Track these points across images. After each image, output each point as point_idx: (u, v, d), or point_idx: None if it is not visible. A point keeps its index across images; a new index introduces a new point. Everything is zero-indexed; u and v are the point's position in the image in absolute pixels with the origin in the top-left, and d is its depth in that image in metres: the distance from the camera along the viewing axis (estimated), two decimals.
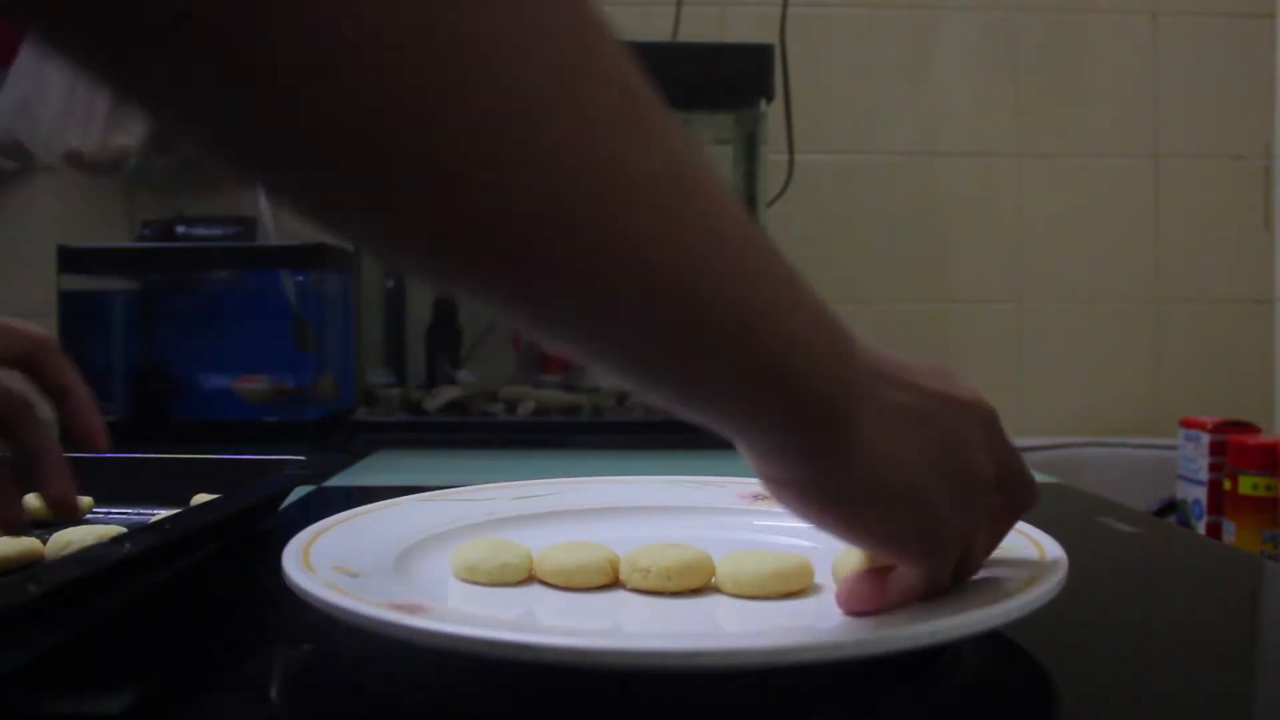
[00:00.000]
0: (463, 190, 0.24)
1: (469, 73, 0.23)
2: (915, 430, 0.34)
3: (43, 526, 0.58)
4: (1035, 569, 0.38)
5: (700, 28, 1.31)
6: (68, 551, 0.48)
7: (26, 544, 0.50)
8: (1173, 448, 1.20)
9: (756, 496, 0.55)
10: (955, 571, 0.37)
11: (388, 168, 0.23)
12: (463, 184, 0.24)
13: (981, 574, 0.40)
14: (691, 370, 0.30)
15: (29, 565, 0.49)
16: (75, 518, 0.51)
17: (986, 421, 0.36)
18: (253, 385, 1.06)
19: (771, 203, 1.19)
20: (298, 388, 1.07)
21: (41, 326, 0.53)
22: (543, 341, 0.30)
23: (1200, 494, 1.13)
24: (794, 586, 0.41)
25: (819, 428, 0.32)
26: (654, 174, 0.27)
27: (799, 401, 0.31)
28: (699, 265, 0.28)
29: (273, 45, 0.21)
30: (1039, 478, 0.86)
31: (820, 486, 0.34)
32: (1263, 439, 1.08)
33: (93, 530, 0.52)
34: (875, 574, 0.36)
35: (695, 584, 0.42)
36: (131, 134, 1.21)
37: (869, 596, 0.36)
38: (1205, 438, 1.12)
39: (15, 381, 0.50)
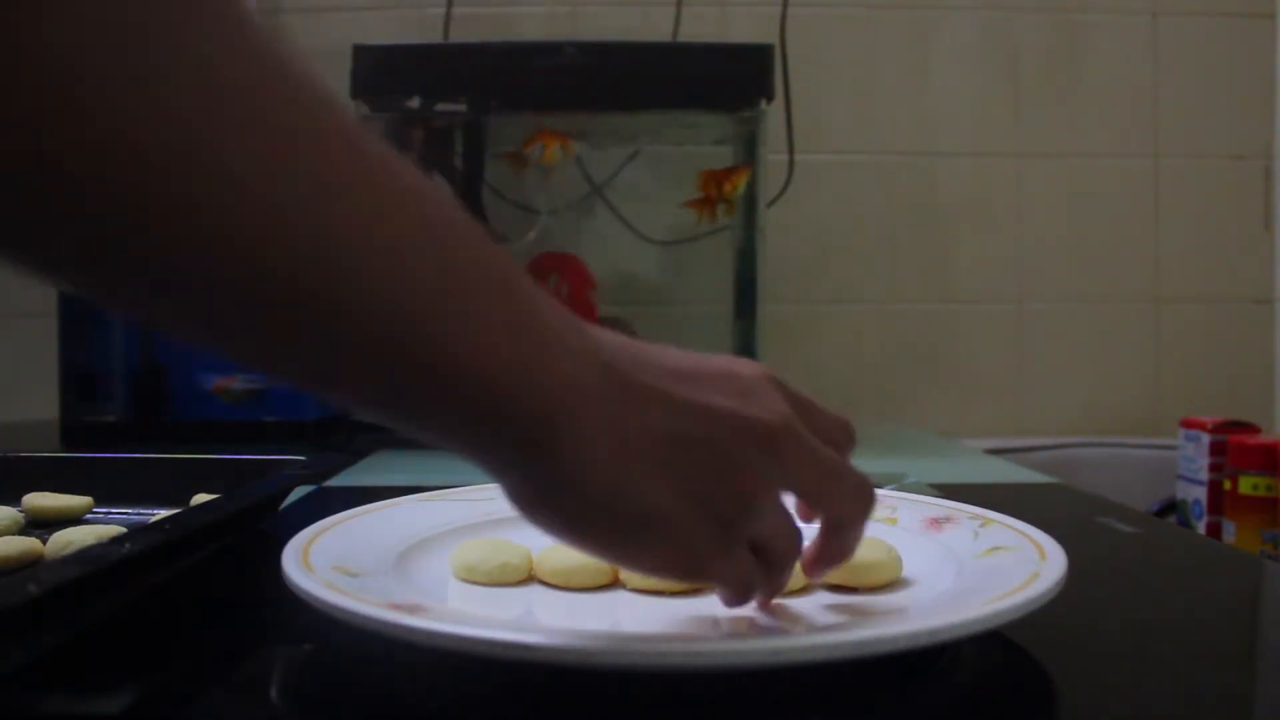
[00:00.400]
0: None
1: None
2: (665, 453, 0.30)
3: (42, 526, 0.58)
4: (1035, 569, 0.38)
5: (700, 28, 1.31)
6: (68, 551, 0.48)
7: (26, 544, 0.50)
8: (1173, 448, 1.20)
9: None
10: (761, 581, 0.35)
11: None
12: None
13: (981, 574, 0.40)
14: (343, 372, 0.27)
15: (29, 565, 0.49)
16: None
17: (767, 430, 0.32)
18: (229, 384, 1.06)
19: (771, 203, 1.19)
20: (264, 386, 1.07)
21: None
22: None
23: (1200, 494, 1.13)
24: (794, 585, 0.41)
25: (517, 441, 0.29)
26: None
27: (480, 415, 0.28)
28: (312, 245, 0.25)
29: None
30: (1039, 478, 0.86)
31: (542, 501, 0.31)
32: (1263, 439, 1.08)
33: (93, 530, 0.52)
34: None
35: (696, 584, 0.42)
36: None
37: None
38: (1205, 438, 1.12)
39: None
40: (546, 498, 0.30)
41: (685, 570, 0.33)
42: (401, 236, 0.26)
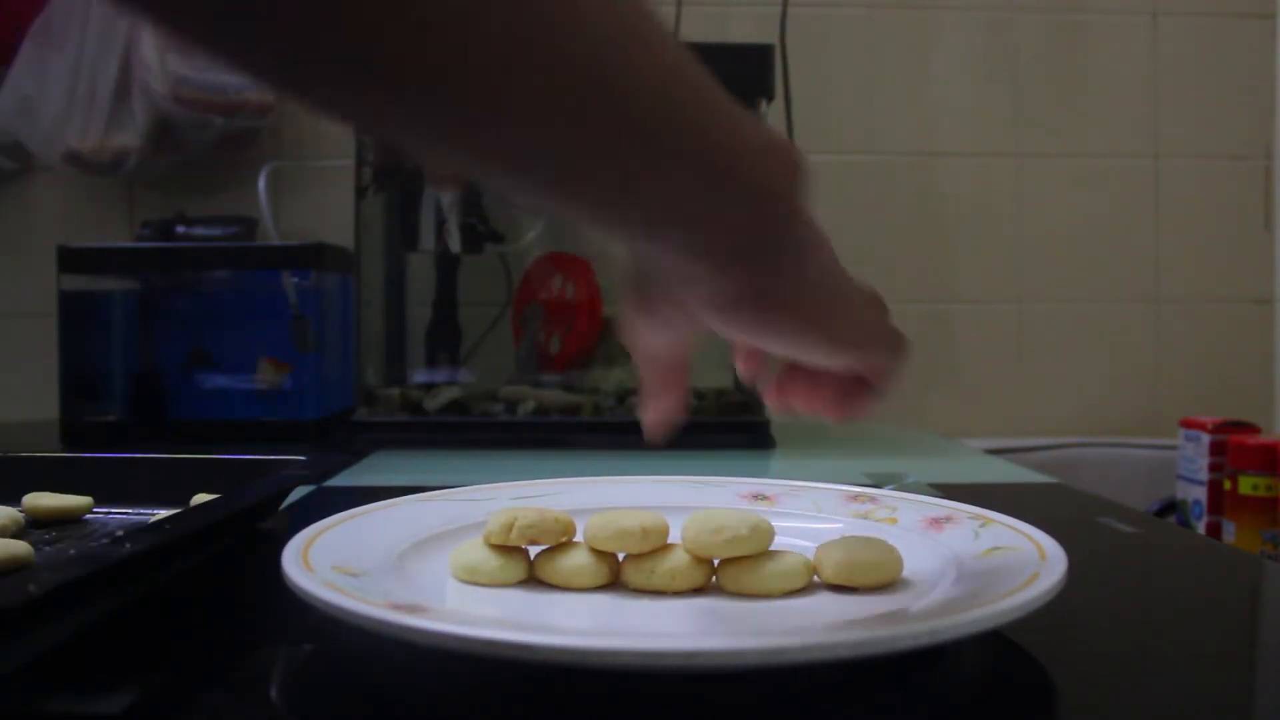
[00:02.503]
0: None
1: None
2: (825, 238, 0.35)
3: (42, 527, 0.58)
4: (1035, 569, 0.38)
5: (700, 28, 1.31)
6: None
7: (16, 547, 0.49)
8: (1173, 448, 1.20)
9: (757, 496, 0.55)
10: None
11: None
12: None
13: (981, 573, 0.40)
14: (636, 167, 0.29)
15: (14, 570, 0.49)
16: None
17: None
18: (264, 375, 1.07)
19: None
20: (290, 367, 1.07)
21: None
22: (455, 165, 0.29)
23: (1200, 494, 1.13)
24: (794, 585, 0.41)
25: (771, 223, 0.32)
26: None
27: (750, 193, 0.32)
28: (643, 75, 0.28)
29: None
30: (1039, 478, 0.86)
31: (776, 290, 0.33)
32: (1263, 439, 1.08)
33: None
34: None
35: (697, 583, 0.42)
36: (131, 134, 1.21)
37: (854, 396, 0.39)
38: (1205, 438, 1.12)
39: None
40: (780, 284, 0.33)
41: (891, 332, 0.37)
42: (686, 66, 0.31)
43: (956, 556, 0.43)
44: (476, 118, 0.27)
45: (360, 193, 1.13)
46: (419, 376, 1.17)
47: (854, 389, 0.39)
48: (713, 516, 0.42)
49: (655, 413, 0.42)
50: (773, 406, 0.42)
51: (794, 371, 0.40)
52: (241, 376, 1.07)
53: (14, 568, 0.47)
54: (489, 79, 0.26)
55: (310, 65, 0.25)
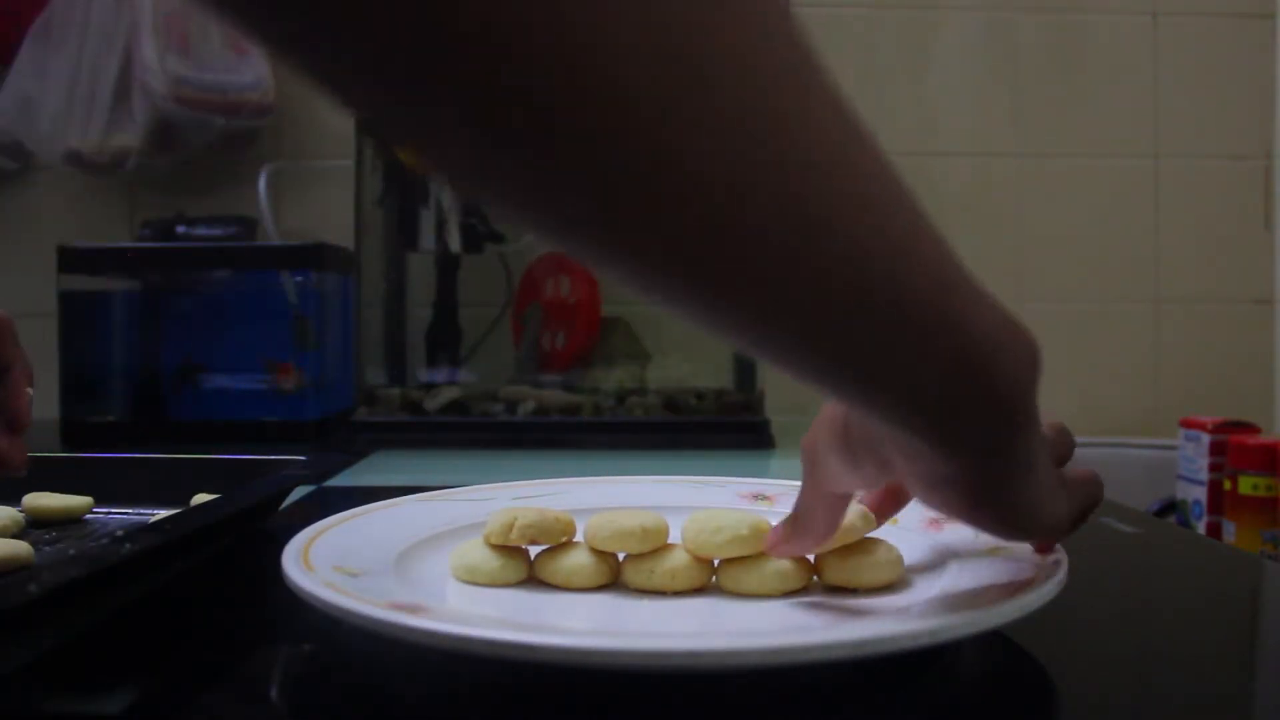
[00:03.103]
0: (633, 155, 0.23)
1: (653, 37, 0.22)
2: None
3: (42, 526, 0.58)
4: (1035, 569, 0.38)
5: None
6: None
7: (17, 547, 0.49)
8: (1173, 448, 1.20)
9: (757, 496, 0.55)
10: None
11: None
12: (633, 144, 0.23)
13: (981, 574, 0.40)
14: (892, 365, 0.29)
15: (15, 570, 0.49)
16: (21, 439, 0.53)
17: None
18: (285, 378, 1.07)
19: None
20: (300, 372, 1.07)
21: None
22: (721, 335, 0.29)
23: (1200, 494, 1.13)
24: (794, 585, 0.41)
25: (1009, 423, 0.31)
26: (836, 140, 0.26)
27: (994, 393, 0.30)
28: (889, 250, 0.27)
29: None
30: None
31: (995, 488, 0.33)
32: (1263, 439, 1.08)
33: None
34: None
35: (697, 584, 0.42)
36: (131, 134, 1.21)
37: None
38: (1205, 438, 1.12)
39: None
40: (992, 476, 0.33)
41: (1064, 530, 0.37)
42: (941, 252, 0.29)
43: (956, 556, 0.43)
44: (720, 293, 0.26)
45: (379, 202, 1.14)
46: (419, 376, 1.17)
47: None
48: (713, 516, 0.42)
49: (793, 547, 0.41)
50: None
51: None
52: (242, 377, 1.07)
53: (14, 568, 0.47)
54: (749, 263, 0.25)
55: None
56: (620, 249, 0.25)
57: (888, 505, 0.43)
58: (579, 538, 0.44)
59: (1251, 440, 1.07)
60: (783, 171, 0.25)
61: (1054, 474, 0.35)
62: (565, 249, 0.26)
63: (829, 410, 0.37)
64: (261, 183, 1.27)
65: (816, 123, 0.25)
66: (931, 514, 0.49)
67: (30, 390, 0.52)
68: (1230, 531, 1.07)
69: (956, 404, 0.30)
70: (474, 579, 0.43)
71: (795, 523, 0.40)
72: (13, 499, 0.59)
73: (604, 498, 0.54)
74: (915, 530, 0.48)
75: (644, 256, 0.25)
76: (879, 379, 0.30)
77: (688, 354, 1.17)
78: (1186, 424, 1.16)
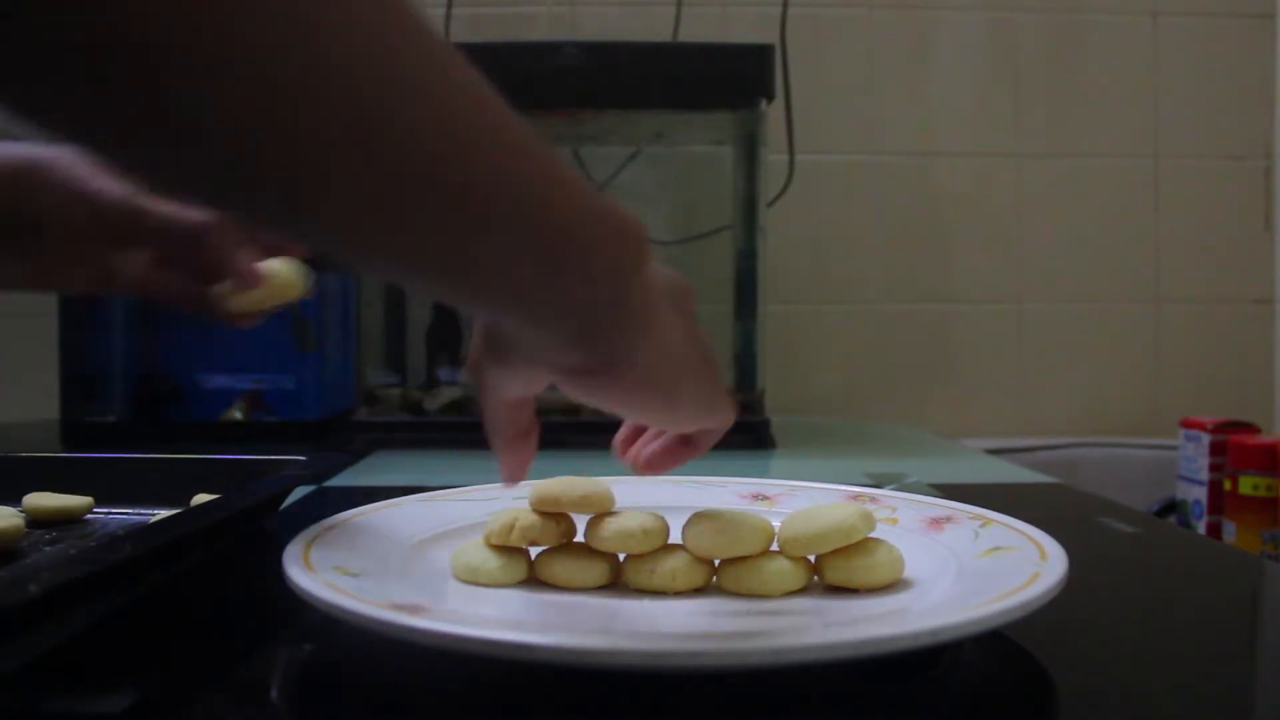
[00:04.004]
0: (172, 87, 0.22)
1: None
2: (671, 302, 0.37)
3: (43, 526, 0.58)
4: (1035, 569, 0.38)
5: (700, 28, 1.31)
6: None
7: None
8: (1173, 448, 1.20)
9: (757, 496, 0.55)
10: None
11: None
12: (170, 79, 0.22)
13: (981, 574, 0.40)
14: (478, 251, 0.29)
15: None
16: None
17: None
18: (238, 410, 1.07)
19: (772, 203, 1.19)
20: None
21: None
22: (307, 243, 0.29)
23: (1200, 494, 1.13)
24: (794, 585, 0.41)
25: (613, 301, 0.33)
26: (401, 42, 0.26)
27: (593, 278, 0.32)
28: (475, 149, 0.28)
29: None
30: (1039, 478, 0.86)
31: (615, 366, 0.35)
32: (1263, 439, 1.08)
33: None
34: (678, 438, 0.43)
35: (697, 584, 0.42)
36: None
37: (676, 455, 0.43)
38: (1205, 438, 1.12)
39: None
40: (626, 358, 0.35)
41: (722, 402, 0.40)
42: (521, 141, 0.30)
43: (956, 556, 0.43)
44: (296, 204, 0.26)
45: None
46: (418, 377, 1.17)
47: (677, 448, 0.44)
48: (714, 517, 0.42)
49: (512, 465, 0.43)
50: (622, 463, 0.46)
51: (633, 430, 0.46)
52: (242, 377, 1.07)
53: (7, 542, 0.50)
54: (310, 164, 0.25)
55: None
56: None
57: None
58: (579, 538, 0.44)
59: (1251, 440, 1.07)
60: (341, 70, 0.25)
61: (691, 349, 0.38)
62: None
63: (478, 324, 0.39)
64: None
65: (359, 20, 0.25)
66: (931, 514, 0.49)
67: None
68: (1230, 531, 1.07)
69: (560, 291, 0.32)
70: (474, 579, 0.43)
71: (492, 439, 0.43)
72: (13, 499, 0.59)
73: None
74: (915, 530, 0.48)
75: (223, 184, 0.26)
76: (480, 275, 0.30)
77: None
78: (1186, 424, 1.16)
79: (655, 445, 0.44)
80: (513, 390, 0.40)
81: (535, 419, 0.43)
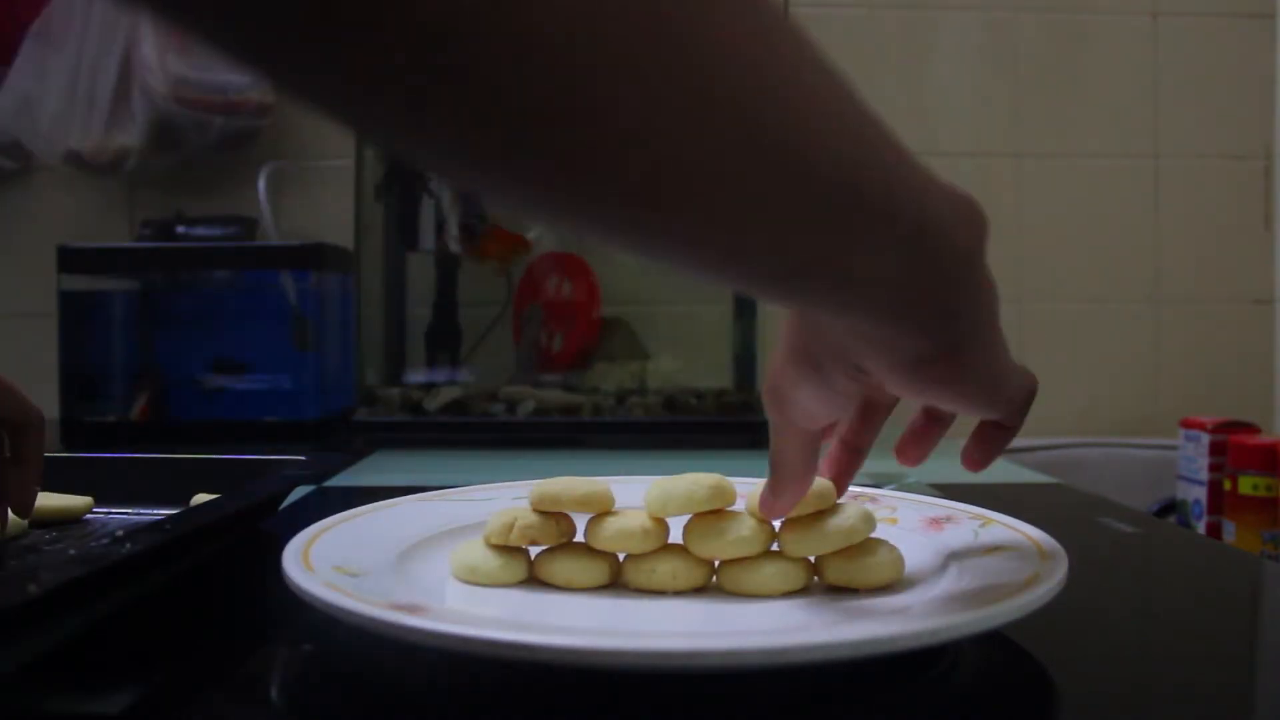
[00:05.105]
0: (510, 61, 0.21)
1: None
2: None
3: (43, 526, 0.58)
4: (1035, 569, 0.38)
5: None
6: None
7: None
8: (1173, 448, 1.20)
9: None
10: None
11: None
12: (514, 49, 0.21)
13: (981, 574, 0.40)
14: (854, 254, 0.29)
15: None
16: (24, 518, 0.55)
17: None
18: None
19: None
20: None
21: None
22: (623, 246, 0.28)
23: (1200, 494, 1.13)
24: (794, 585, 0.41)
25: (963, 286, 0.33)
26: (741, 27, 0.25)
27: (952, 261, 0.32)
28: (833, 139, 0.28)
29: None
30: (1039, 478, 0.86)
31: (962, 351, 0.34)
32: (1263, 439, 1.08)
33: None
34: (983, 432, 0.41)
35: (697, 584, 0.42)
36: (131, 134, 1.21)
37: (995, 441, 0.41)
38: (1205, 438, 1.12)
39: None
40: (964, 345, 0.34)
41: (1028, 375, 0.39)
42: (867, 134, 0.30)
43: (957, 557, 0.43)
44: (643, 200, 0.25)
45: (376, 193, 1.13)
46: (419, 377, 1.17)
47: (996, 433, 0.42)
48: (713, 517, 0.42)
49: (782, 500, 0.41)
50: (905, 462, 0.44)
51: (930, 424, 0.44)
52: (241, 376, 1.07)
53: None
54: (667, 164, 0.24)
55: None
56: (575, 199, 0.25)
57: (864, 433, 0.45)
58: (579, 537, 0.44)
59: (1251, 440, 1.07)
60: (700, 72, 0.24)
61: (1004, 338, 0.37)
62: (514, 203, 0.26)
63: (784, 343, 0.38)
64: (261, 183, 1.27)
65: (727, 18, 0.25)
66: (931, 514, 0.49)
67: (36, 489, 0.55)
68: (1230, 531, 1.07)
69: (918, 279, 0.31)
70: (474, 579, 0.43)
71: (776, 473, 0.41)
72: None
73: None
74: (915, 530, 0.48)
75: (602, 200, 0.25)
76: (843, 272, 0.30)
77: (687, 354, 1.17)
78: (1186, 424, 1.16)
79: (970, 441, 0.43)
80: (822, 411, 0.39)
81: (817, 456, 0.41)
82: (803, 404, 0.38)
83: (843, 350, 0.36)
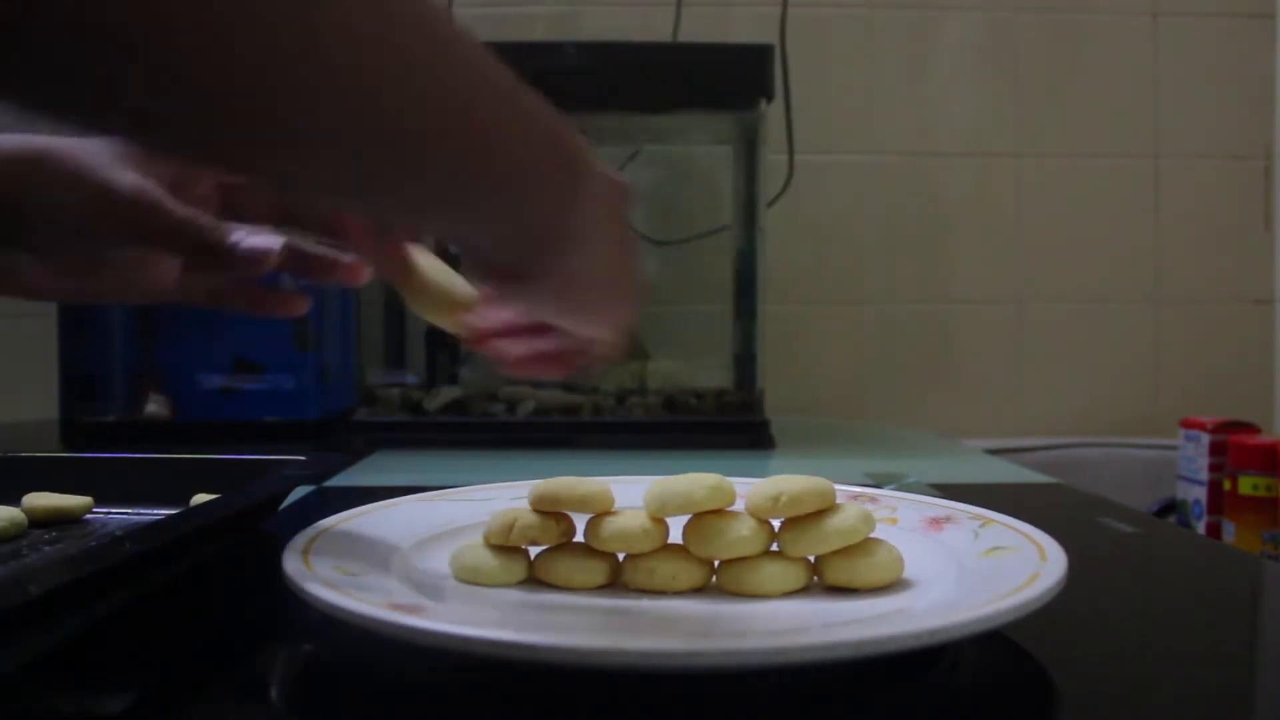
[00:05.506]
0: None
1: None
2: (613, 217, 0.40)
3: (42, 527, 0.58)
4: (1035, 569, 0.38)
5: (700, 28, 1.31)
6: None
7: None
8: (1173, 448, 1.20)
9: None
10: None
11: None
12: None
13: (981, 574, 0.40)
14: (420, 171, 0.30)
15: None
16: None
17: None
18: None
19: (771, 203, 1.19)
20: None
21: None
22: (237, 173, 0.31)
23: (1200, 494, 1.13)
24: (794, 585, 0.41)
25: (549, 226, 0.35)
26: None
27: (533, 199, 0.35)
28: (410, 61, 0.29)
29: None
30: (1039, 478, 0.86)
31: (551, 277, 0.38)
32: (1263, 439, 1.08)
33: None
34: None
35: (697, 584, 0.42)
36: None
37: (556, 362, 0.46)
38: (1205, 438, 1.12)
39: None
40: (558, 268, 0.38)
41: (624, 317, 0.44)
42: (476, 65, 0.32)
43: (956, 556, 0.43)
44: (248, 139, 0.27)
45: None
46: (419, 377, 1.17)
47: (561, 354, 0.46)
48: (713, 518, 0.42)
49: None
50: (494, 357, 0.48)
51: (510, 324, 0.47)
52: (241, 376, 1.07)
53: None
54: (264, 99, 0.26)
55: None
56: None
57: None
58: (579, 537, 0.44)
59: (1251, 440, 1.07)
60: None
61: (620, 249, 0.41)
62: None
63: None
64: None
65: None
66: (931, 514, 0.49)
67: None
68: (1230, 531, 1.07)
69: (500, 213, 0.34)
70: (474, 579, 0.43)
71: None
72: (13, 499, 0.59)
73: None
74: (915, 530, 0.48)
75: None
76: (422, 198, 0.32)
77: (688, 354, 1.17)
78: (1186, 424, 1.16)
79: (542, 344, 0.46)
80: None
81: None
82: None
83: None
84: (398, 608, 0.34)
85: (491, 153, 0.32)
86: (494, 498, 0.53)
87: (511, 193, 0.33)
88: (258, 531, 0.59)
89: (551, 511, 0.44)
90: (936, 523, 0.48)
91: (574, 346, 0.46)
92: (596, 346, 0.46)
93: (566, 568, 0.43)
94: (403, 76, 0.28)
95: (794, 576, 0.41)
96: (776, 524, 0.43)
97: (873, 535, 0.42)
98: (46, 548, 0.54)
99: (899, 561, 0.42)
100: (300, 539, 0.42)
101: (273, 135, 0.27)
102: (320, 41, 0.26)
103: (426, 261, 0.49)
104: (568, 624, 0.40)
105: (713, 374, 1.15)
